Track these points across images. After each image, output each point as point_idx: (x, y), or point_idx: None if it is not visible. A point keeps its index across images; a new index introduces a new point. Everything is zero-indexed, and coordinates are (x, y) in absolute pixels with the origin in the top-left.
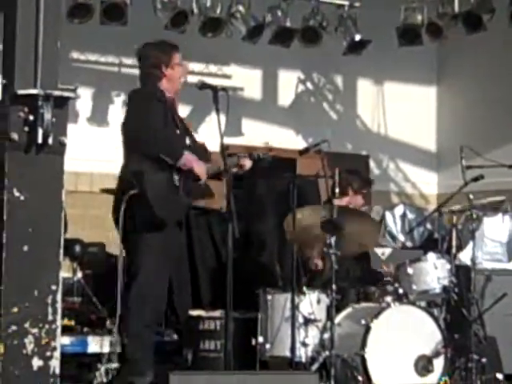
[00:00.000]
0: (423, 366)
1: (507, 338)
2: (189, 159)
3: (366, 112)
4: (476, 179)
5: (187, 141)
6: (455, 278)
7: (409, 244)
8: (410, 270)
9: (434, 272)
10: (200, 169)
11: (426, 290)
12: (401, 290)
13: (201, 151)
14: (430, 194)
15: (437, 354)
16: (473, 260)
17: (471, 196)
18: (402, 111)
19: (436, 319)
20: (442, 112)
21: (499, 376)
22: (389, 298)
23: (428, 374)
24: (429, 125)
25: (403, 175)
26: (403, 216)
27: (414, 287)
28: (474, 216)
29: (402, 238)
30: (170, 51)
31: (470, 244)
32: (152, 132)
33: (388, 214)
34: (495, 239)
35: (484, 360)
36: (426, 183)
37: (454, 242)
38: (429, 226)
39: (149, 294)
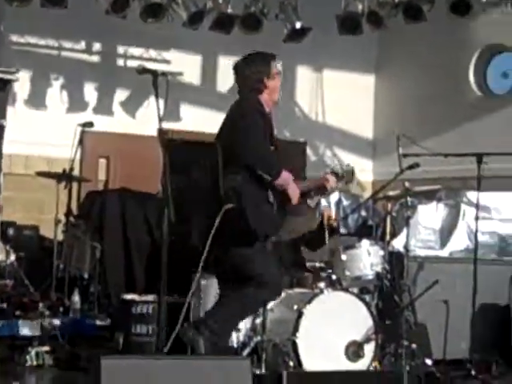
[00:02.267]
0: (354, 351)
1: (437, 324)
2: (286, 179)
3: (304, 99)
4: (411, 167)
5: None
6: (388, 265)
7: (343, 230)
8: (343, 257)
9: (367, 258)
10: (294, 192)
11: (359, 276)
12: (334, 276)
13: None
14: (365, 181)
15: (367, 340)
16: (406, 247)
17: (406, 184)
18: (340, 99)
19: (368, 305)
20: (379, 100)
21: (428, 361)
22: (322, 284)
23: (358, 359)
24: (366, 113)
25: (339, 162)
26: (338, 202)
27: (348, 273)
28: (409, 203)
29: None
30: (269, 61)
31: (404, 231)
32: (254, 147)
33: (323, 201)
34: (428, 227)
35: (414, 346)
36: (362, 170)
37: (388, 229)
38: (363, 212)
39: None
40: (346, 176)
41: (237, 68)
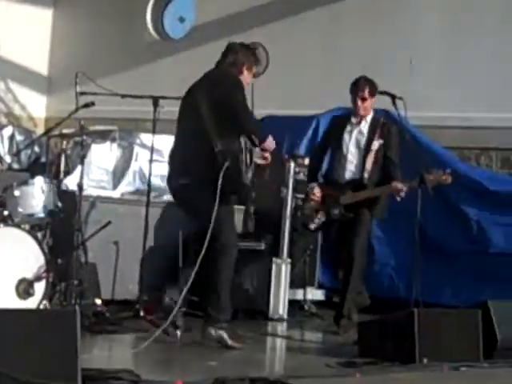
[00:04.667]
0: (24, 289)
1: (107, 264)
2: (270, 143)
3: None
4: (87, 105)
5: None
6: (61, 203)
7: (16, 166)
8: (16, 193)
9: (40, 196)
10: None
11: (31, 213)
12: (6, 212)
13: None
14: (38, 116)
15: (38, 278)
16: (79, 186)
17: (82, 122)
18: (15, 31)
19: (40, 243)
20: (56, 36)
21: (97, 301)
22: None
23: (28, 297)
24: (42, 47)
25: (13, 96)
26: (11, 137)
27: (20, 210)
28: (83, 142)
29: (8, 159)
30: (255, 60)
31: (78, 170)
32: (250, 113)
33: None
34: (102, 167)
35: (84, 285)
36: (36, 106)
37: (61, 167)
38: (37, 149)
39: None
40: None
41: (231, 46)
